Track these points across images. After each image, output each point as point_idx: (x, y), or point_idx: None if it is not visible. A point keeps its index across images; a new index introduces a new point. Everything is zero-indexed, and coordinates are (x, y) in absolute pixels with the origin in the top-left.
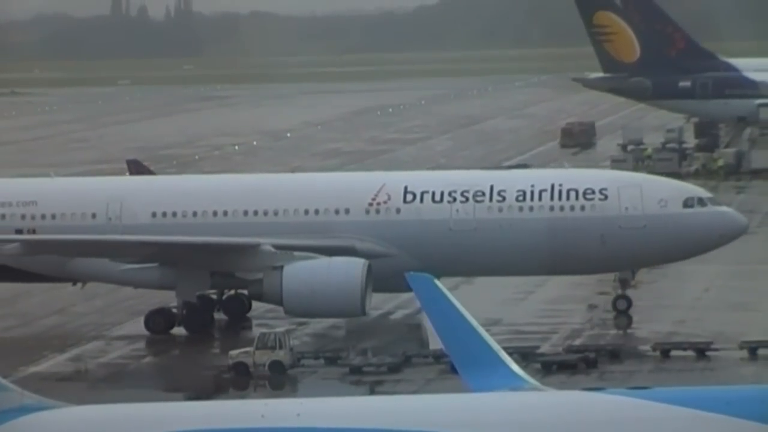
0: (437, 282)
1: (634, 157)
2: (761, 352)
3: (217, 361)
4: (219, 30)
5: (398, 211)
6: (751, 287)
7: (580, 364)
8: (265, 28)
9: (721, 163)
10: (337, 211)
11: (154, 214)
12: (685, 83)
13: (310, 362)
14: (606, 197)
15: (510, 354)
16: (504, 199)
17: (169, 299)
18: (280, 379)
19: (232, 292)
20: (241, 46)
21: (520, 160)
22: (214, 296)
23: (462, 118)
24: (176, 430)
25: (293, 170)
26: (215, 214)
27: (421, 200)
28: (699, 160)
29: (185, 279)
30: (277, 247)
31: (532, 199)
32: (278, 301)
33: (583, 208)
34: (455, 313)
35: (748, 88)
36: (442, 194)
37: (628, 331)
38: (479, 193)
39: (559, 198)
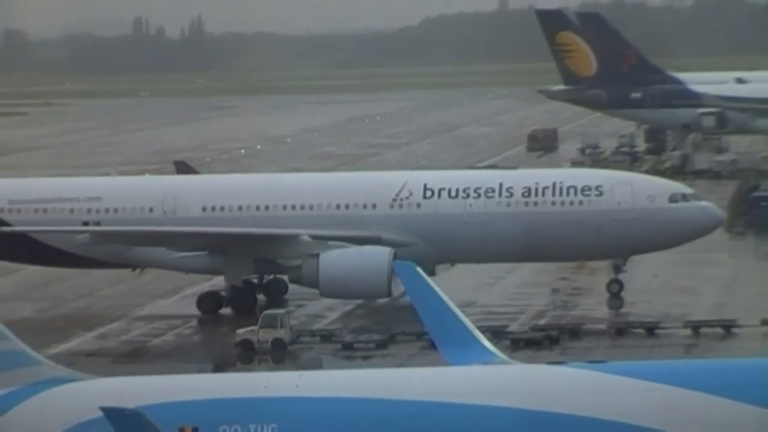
0: (419, 269)
1: (592, 159)
2: (703, 330)
3: (227, 339)
4: (227, 48)
5: (419, 205)
6: (695, 273)
7: (545, 341)
8: (268, 47)
9: (668, 164)
10: (365, 206)
11: (204, 208)
12: (636, 94)
13: (307, 339)
14: (601, 193)
15: (483, 332)
16: (511, 195)
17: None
18: (280, 355)
19: (271, 276)
20: (246, 62)
21: (492, 161)
22: (255, 280)
23: (441, 125)
24: (188, 399)
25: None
26: (258, 208)
27: (439, 196)
28: (648, 162)
29: (232, 265)
30: (314, 237)
31: (536, 195)
32: (315, 284)
33: (581, 203)
34: (434, 296)
35: (691, 98)
36: (457, 191)
37: (586, 311)
38: (490, 190)
39: (560, 194)
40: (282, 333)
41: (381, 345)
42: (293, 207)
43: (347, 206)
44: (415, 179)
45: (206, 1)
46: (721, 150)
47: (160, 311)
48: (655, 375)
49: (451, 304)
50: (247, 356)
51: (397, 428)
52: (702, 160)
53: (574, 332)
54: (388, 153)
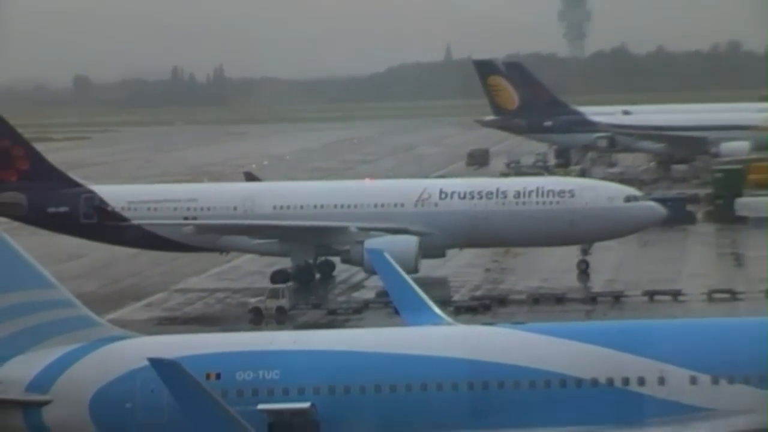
0: (387, 255)
1: (515, 171)
2: (600, 299)
3: (242, 307)
4: (241, 88)
5: (436, 205)
6: (594, 258)
7: (480, 308)
8: (271, 87)
9: (573, 176)
10: (395, 205)
11: (274, 207)
12: (548, 123)
13: (302, 307)
14: (573, 196)
15: (433, 301)
16: (506, 197)
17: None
18: (282, 318)
19: (323, 258)
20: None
21: (441, 173)
22: (311, 261)
23: (402, 147)
24: (212, 352)
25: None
26: (315, 206)
27: (451, 198)
28: (557, 173)
29: (297, 250)
30: (359, 228)
31: (524, 196)
32: (360, 264)
33: (558, 203)
34: (398, 274)
35: (589, 126)
36: (464, 194)
37: (510, 285)
38: (489, 193)
39: (542, 196)
40: (284, 302)
41: (357, 311)
42: (343, 206)
43: (383, 205)
44: (433, 185)
45: (226, 53)
46: (612, 164)
47: (192, 286)
48: (559, 332)
49: (410, 280)
50: (257, 319)
51: (368, 373)
52: (597, 172)
53: (502, 301)
54: (362, 167)
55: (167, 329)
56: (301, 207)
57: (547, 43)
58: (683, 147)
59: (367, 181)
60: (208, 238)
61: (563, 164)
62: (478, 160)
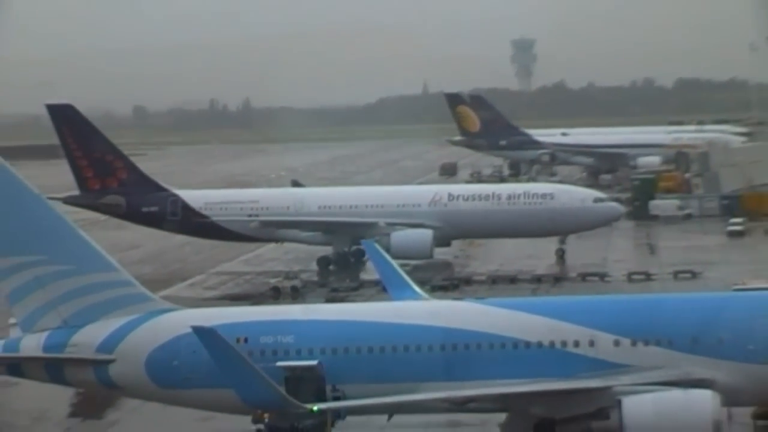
0: (377, 245)
1: (477, 180)
2: (544, 280)
3: (264, 286)
4: (263, 115)
5: (446, 205)
6: (540, 247)
7: (450, 287)
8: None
9: (523, 182)
10: (414, 205)
11: (319, 207)
12: (503, 142)
13: (312, 286)
14: (553, 198)
15: (414, 281)
16: (500, 198)
17: (243, 253)
18: (295, 295)
19: (357, 247)
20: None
21: (419, 181)
22: (347, 249)
23: (389, 161)
24: (241, 321)
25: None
26: (351, 207)
27: (457, 199)
28: (510, 181)
29: (337, 240)
30: (386, 223)
31: (514, 199)
32: (388, 251)
33: (540, 203)
34: (386, 261)
35: (535, 145)
36: (468, 196)
37: (474, 269)
38: (487, 196)
39: (529, 198)
40: (297, 282)
41: (354, 289)
42: (373, 206)
43: (404, 205)
44: (443, 190)
45: (252, 88)
46: (552, 174)
47: (225, 269)
48: (512, 306)
49: (396, 265)
50: (275, 296)
51: (363, 337)
52: (541, 180)
53: (467, 281)
54: (356, 177)
55: (206, 303)
56: (340, 207)
57: (502, 80)
58: (608, 161)
59: (392, 186)
60: (268, 231)
61: (515, 174)
62: (449, 171)
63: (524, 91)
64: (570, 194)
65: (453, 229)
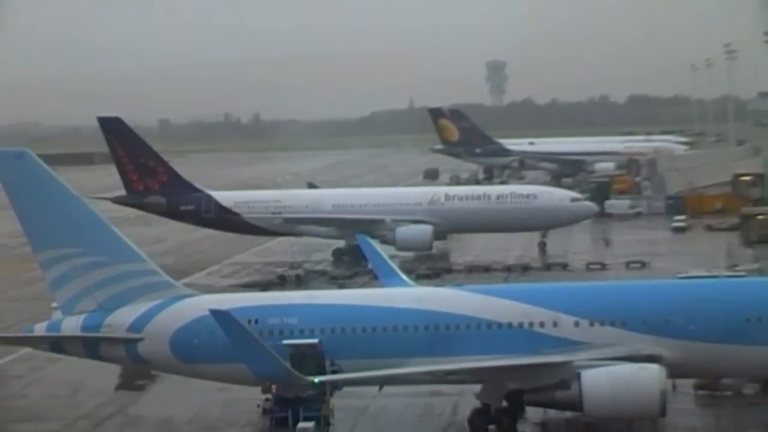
0: (369, 239)
1: (456, 182)
2: (513, 269)
3: (272, 275)
4: (271, 127)
5: (443, 204)
6: (511, 243)
7: (433, 276)
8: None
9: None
10: (415, 204)
11: (333, 206)
12: (478, 150)
13: (313, 275)
14: (536, 198)
15: (402, 270)
16: (490, 198)
17: (254, 245)
18: (299, 282)
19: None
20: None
21: (407, 184)
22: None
23: (379, 166)
24: (252, 305)
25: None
26: (361, 205)
27: (453, 199)
28: (484, 184)
29: (349, 235)
30: (392, 220)
31: (502, 198)
32: (393, 244)
33: (525, 202)
34: (377, 252)
35: (506, 152)
36: (462, 196)
37: (454, 260)
38: (479, 196)
39: (515, 198)
40: (300, 271)
41: (349, 277)
42: (380, 205)
43: (407, 204)
44: (440, 191)
45: (261, 103)
46: (521, 178)
47: (239, 260)
48: (486, 291)
49: (386, 256)
50: (282, 283)
51: (357, 319)
52: (512, 183)
53: (448, 270)
54: (353, 179)
55: (221, 289)
56: (351, 206)
57: (477, 97)
58: (569, 166)
59: (397, 188)
60: (289, 227)
61: (488, 178)
62: (431, 176)
63: (497, 106)
64: (550, 195)
65: (449, 225)
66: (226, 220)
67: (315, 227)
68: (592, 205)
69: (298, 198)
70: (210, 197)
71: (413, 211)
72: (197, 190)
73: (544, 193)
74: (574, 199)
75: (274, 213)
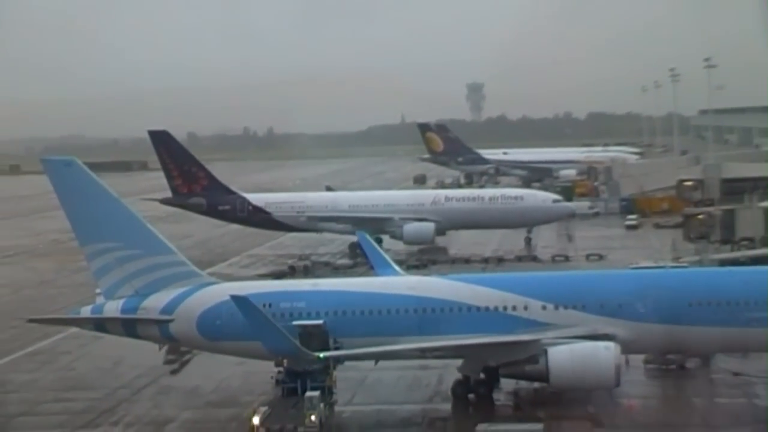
0: (368, 236)
1: (441, 187)
2: (490, 261)
3: (284, 266)
4: (283, 139)
5: (443, 204)
6: (488, 239)
7: (422, 266)
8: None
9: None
10: (420, 205)
11: (349, 206)
12: (460, 159)
13: (318, 266)
14: (523, 199)
15: (394, 261)
16: (483, 199)
17: (269, 240)
18: (306, 272)
19: (377, 236)
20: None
21: (400, 187)
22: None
23: (375, 173)
24: (266, 291)
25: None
26: (373, 206)
27: (452, 200)
28: (465, 188)
29: (363, 231)
30: (399, 218)
31: (494, 200)
32: (401, 239)
33: (513, 203)
34: (373, 247)
35: (484, 161)
36: (460, 198)
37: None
38: (474, 198)
39: (505, 199)
40: (308, 263)
41: (350, 267)
42: (389, 205)
43: (413, 204)
44: (440, 193)
45: (275, 118)
46: (497, 183)
47: (256, 252)
48: (467, 280)
49: (380, 250)
50: (292, 272)
51: (356, 303)
52: (488, 187)
53: (434, 262)
54: (353, 184)
55: (241, 278)
56: (365, 206)
57: (459, 113)
58: (538, 173)
59: (404, 192)
60: (312, 224)
61: (468, 183)
62: (420, 181)
63: (476, 122)
64: (535, 197)
65: (449, 223)
66: (257, 218)
67: (333, 224)
68: (571, 206)
69: (319, 199)
70: (244, 198)
71: (418, 210)
72: (233, 193)
73: (530, 195)
74: (555, 201)
75: (299, 212)
